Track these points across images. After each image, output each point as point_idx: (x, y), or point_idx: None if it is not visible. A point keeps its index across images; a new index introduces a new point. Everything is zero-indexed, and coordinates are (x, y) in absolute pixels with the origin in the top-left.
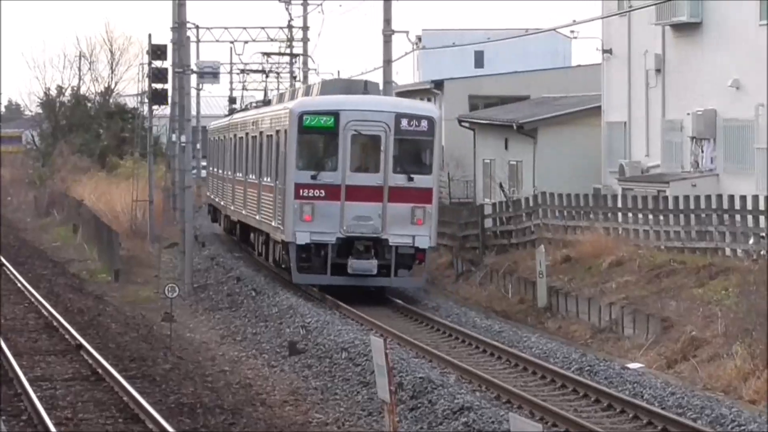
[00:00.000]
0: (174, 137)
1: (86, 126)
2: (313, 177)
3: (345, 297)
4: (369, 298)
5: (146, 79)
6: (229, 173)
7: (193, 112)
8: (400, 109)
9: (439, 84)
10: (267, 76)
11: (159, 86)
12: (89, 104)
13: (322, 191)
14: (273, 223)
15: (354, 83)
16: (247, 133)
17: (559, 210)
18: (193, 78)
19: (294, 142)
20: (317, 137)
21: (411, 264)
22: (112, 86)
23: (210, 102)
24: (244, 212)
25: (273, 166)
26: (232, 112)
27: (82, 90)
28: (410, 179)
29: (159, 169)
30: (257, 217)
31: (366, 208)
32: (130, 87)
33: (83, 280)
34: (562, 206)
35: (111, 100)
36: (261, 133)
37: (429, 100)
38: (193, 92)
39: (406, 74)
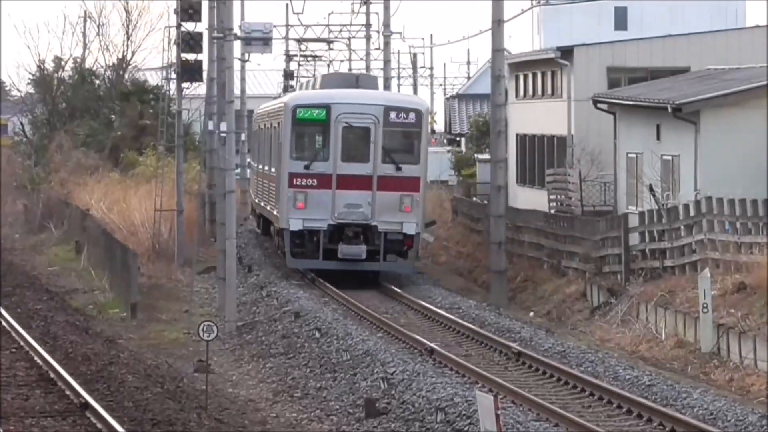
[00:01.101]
0: (211, 125)
1: (94, 111)
2: (306, 167)
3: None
4: (450, 332)
5: (173, 48)
6: (266, 168)
7: (237, 92)
8: (388, 102)
9: (566, 52)
10: (330, 45)
11: (191, 57)
12: (97, 82)
13: (315, 180)
14: (275, 212)
15: (348, 77)
16: (272, 123)
17: (730, 221)
18: (237, 45)
19: (288, 134)
20: (310, 129)
21: (400, 249)
22: (128, 57)
23: (259, 78)
24: (267, 207)
25: (276, 156)
26: (286, 90)
27: (88, 63)
28: (398, 169)
29: (191, 168)
30: (268, 208)
31: (356, 196)
32: (153, 59)
33: (90, 316)
34: (734, 216)
35: (126, 76)
36: (272, 124)
37: (553, 74)
38: (237, 65)
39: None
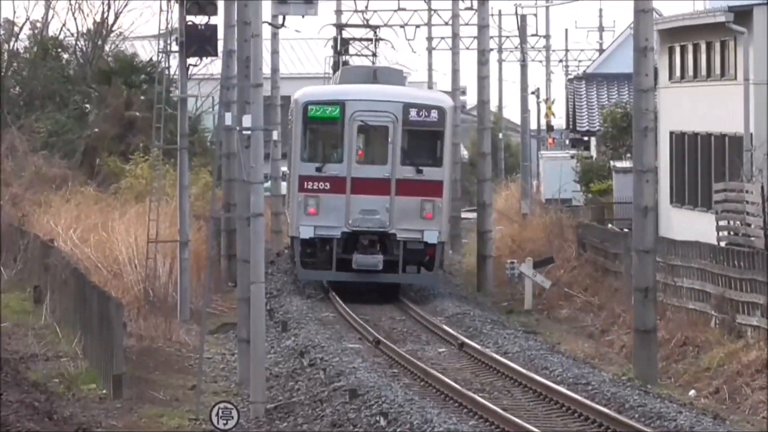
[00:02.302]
0: (229, 118)
1: (60, 98)
2: (318, 169)
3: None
4: None
5: (175, 6)
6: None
7: (267, 71)
8: (408, 99)
9: (742, 14)
10: (376, 32)
11: (201, 20)
12: (66, 56)
13: (327, 183)
14: (288, 219)
15: (365, 71)
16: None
17: None
18: (267, 4)
19: (299, 133)
20: (323, 128)
21: (421, 260)
22: (110, 21)
23: (299, 52)
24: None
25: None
26: (336, 69)
27: (52, 28)
28: (419, 171)
29: (200, 181)
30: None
31: (372, 201)
32: (145, 23)
33: (55, 394)
34: None
35: (108, 48)
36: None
37: (722, 45)
38: (267, 32)
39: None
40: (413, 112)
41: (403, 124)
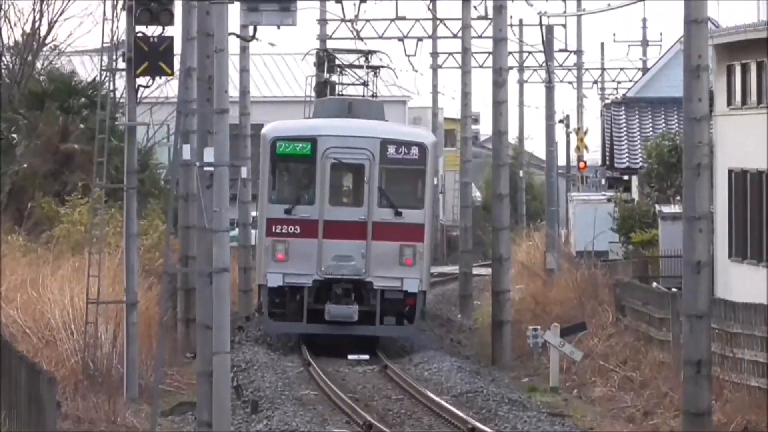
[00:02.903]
0: (186, 151)
1: None
2: (287, 211)
3: None
4: None
5: (121, 15)
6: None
7: (234, 93)
8: (386, 135)
9: None
10: (368, 58)
11: (152, 31)
12: None
13: (298, 227)
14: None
15: (340, 104)
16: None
17: None
18: (235, 13)
19: (267, 172)
20: (293, 166)
21: (400, 310)
22: (42, 33)
23: (274, 70)
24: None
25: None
26: (322, 93)
27: None
28: (398, 214)
29: (151, 228)
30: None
31: (347, 246)
32: (85, 36)
33: None
34: None
35: (40, 66)
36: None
37: None
38: (235, 46)
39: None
40: (391, 149)
41: (381, 162)
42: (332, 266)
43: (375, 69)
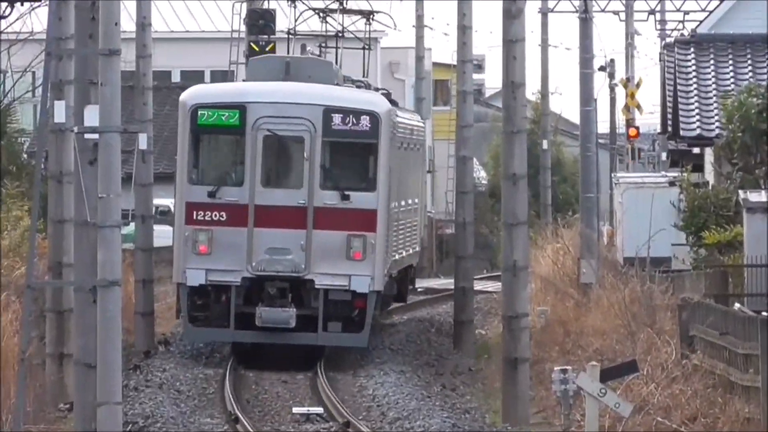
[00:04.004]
0: (60, 111)
1: None
2: (211, 194)
3: None
4: None
5: None
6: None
7: (130, 26)
8: (330, 101)
9: None
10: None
11: None
12: None
13: (223, 213)
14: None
15: (276, 63)
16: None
17: None
18: None
19: (186, 147)
20: (217, 139)
21: (347, 314)
22: None
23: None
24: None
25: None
26: (253, 28)
27: None
28: (345, 197)
29: (7, 219)
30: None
31: (283, 236)
32: None
33: None
34: None
35: None
36: None
37: None
38: None
39: None
40: (337, 119)
41: (324, 135)
42: (265, 261)
43: (369, 15)
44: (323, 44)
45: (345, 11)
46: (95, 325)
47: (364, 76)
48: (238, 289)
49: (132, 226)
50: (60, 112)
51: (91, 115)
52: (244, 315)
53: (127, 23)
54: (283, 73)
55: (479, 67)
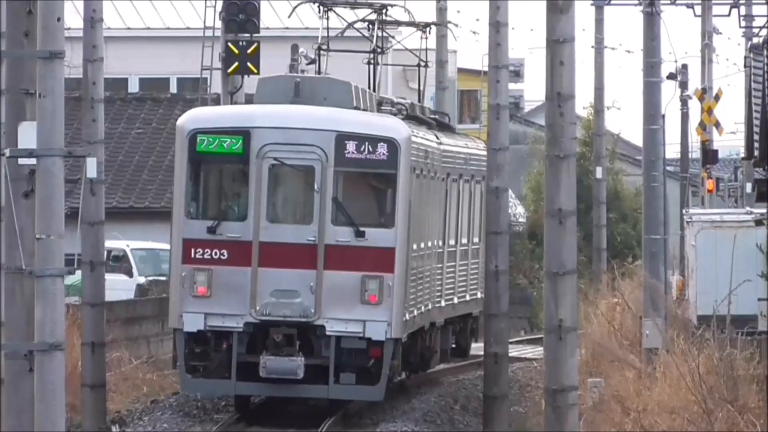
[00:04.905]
0: None
1: None
2: (211, 230)
3: None
4: None
5: None
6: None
7: (76, 22)
8: (344, 127)
9: None
10: None
11: None
12: None
13: (225, 251)
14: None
15: (285, 83)
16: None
17: None
18: None
19: (184, 177)
20: (218, 169)
21: (363, 364)
22: None
23: None
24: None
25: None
26: (230, 26)
27: None
28: (360, 234)
29: None
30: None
31: (290, 277)
32: None
33: None
34: None
35: None
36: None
37: None
38: None
39: None
40: (351, 147)
41: (336, 164)
42: (270, 304)
43: (381, 9)
44: (321, 45)
45: (354, 4)
46: (32, 400)
47: (369, 87)
48: (241, 335)
49: (78, 274)
50: None
51: (27, 135)
52: (246, 364)
53: (73, 18)
54: (293, 94)
55: (516, 75)
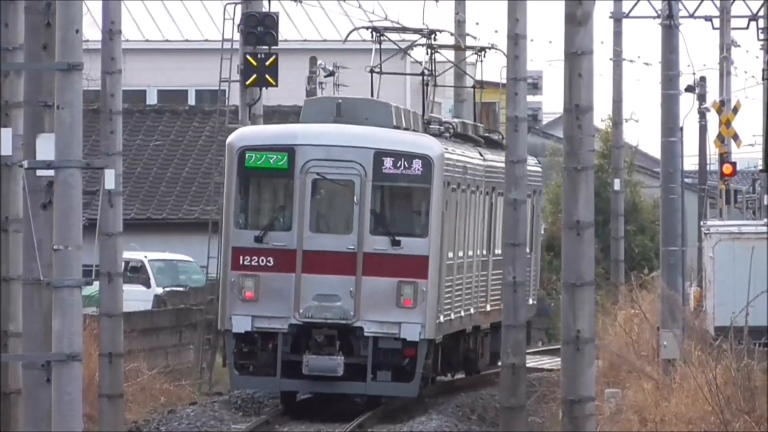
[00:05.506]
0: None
1: None
2: (258, 239)
3: None
4: None
5: None
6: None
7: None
8: (381, 144)
9: None
10: None
11: None
12: None
13: (271, 259)
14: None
15: (328, 104)
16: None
17: None
18: None
19: (233, 190)
20: (265, 182)
21: (398, 363)
22: None
23: None
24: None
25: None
26: (249, 38)
27: None
28: (396, 243)
29: None
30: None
31: (331, 282)
32: None
33: None
34: None
35: None
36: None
37: None
38: None
39: None
40: (388, 163)
41: (375, 179)
42: (313, 308)
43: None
44: (373, 68)
45: (404, 29)
46: (49, 411)
47: (424, 108)
48: (285, 336)
49: (96, 285)
50: (5, 142)
51: (45, 147)
52: (291, 363)
53: (91, 30)
54: (335, 114)
55: (535, 87)
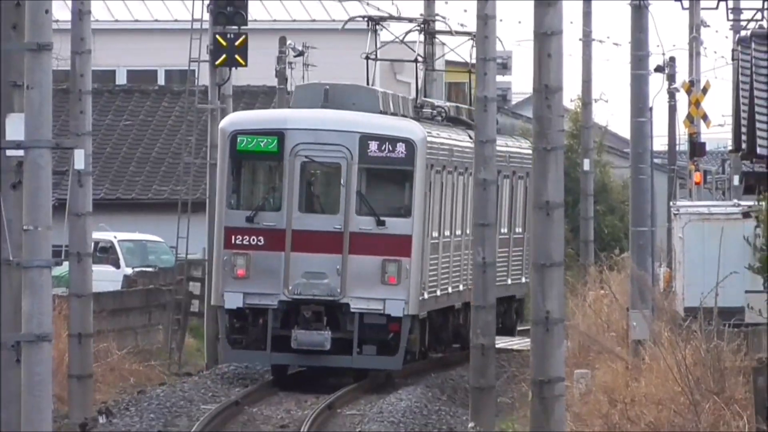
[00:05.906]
0: None
1: None
2: (249, 219)
3: None
4: None
5: None
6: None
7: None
8: (367, 129)
9: None
10: None
11: None
12: None
13: (261, 238)
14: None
15: (316, 90)
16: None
17: None
18: None
19: (225, 172)
20: (256, 165)
21: (383, 337)
22: None
23: None
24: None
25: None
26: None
27: None
28: (380, 223)
29: None
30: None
31: (319, 260)
32: None
33: None
34: None
35: None
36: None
37: None
38: None
39: None
40: (373, 146)
41: (360, 162)
42: (301, 285)
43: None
44: (369, 56)
45: (400, 19)
46: (19, 392)
47: (417, 93)
48: (275, 312)
49: (66, 266)
50: None
51: (15, 127)
52: (280, 338)
53: (61, 11)
54: (323, 99)
55: (504, 67)
